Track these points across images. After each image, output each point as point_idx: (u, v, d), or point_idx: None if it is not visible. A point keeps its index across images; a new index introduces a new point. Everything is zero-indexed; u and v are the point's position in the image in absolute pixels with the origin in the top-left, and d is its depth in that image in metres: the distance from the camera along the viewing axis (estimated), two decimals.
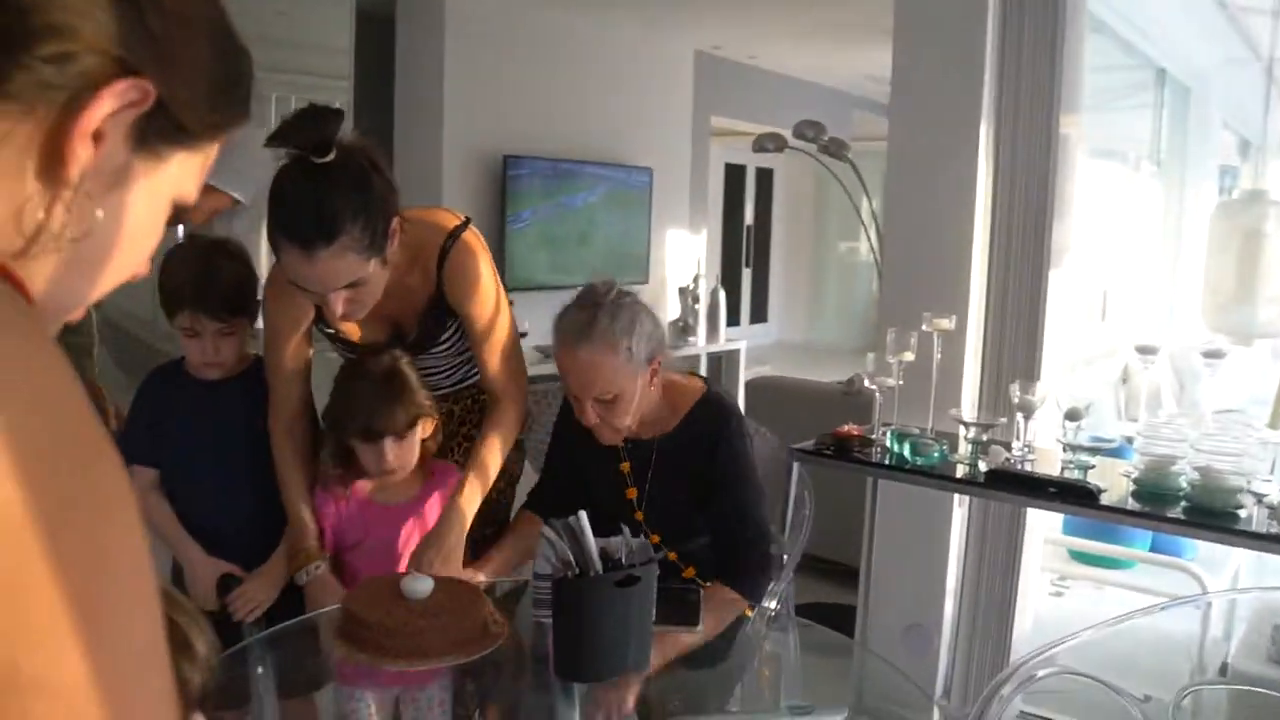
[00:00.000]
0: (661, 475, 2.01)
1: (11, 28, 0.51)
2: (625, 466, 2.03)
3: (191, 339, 1.99)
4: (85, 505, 0.48)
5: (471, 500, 1.93)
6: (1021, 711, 2.71)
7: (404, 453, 1.93)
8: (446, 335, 2.03)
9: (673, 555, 1.97)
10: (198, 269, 1.97)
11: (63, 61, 0.53)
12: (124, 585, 0.50)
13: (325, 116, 1.67)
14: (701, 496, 2.00)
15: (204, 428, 2.07)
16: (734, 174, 10.37)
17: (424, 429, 1.97)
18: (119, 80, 0.55)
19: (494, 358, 2.02)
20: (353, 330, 2.00)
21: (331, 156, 1.65)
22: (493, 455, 2.00)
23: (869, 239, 4.02)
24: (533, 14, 5.39)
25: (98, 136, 0.55)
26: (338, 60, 4.90)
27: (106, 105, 0.55)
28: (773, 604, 2.10)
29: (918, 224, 3.01)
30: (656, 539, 1.94)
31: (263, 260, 2.26)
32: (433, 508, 1.99)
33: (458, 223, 1.98)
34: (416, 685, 1.71)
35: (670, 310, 6.52)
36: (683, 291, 6.40)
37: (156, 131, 0.59)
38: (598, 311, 1.88)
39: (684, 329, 6.29)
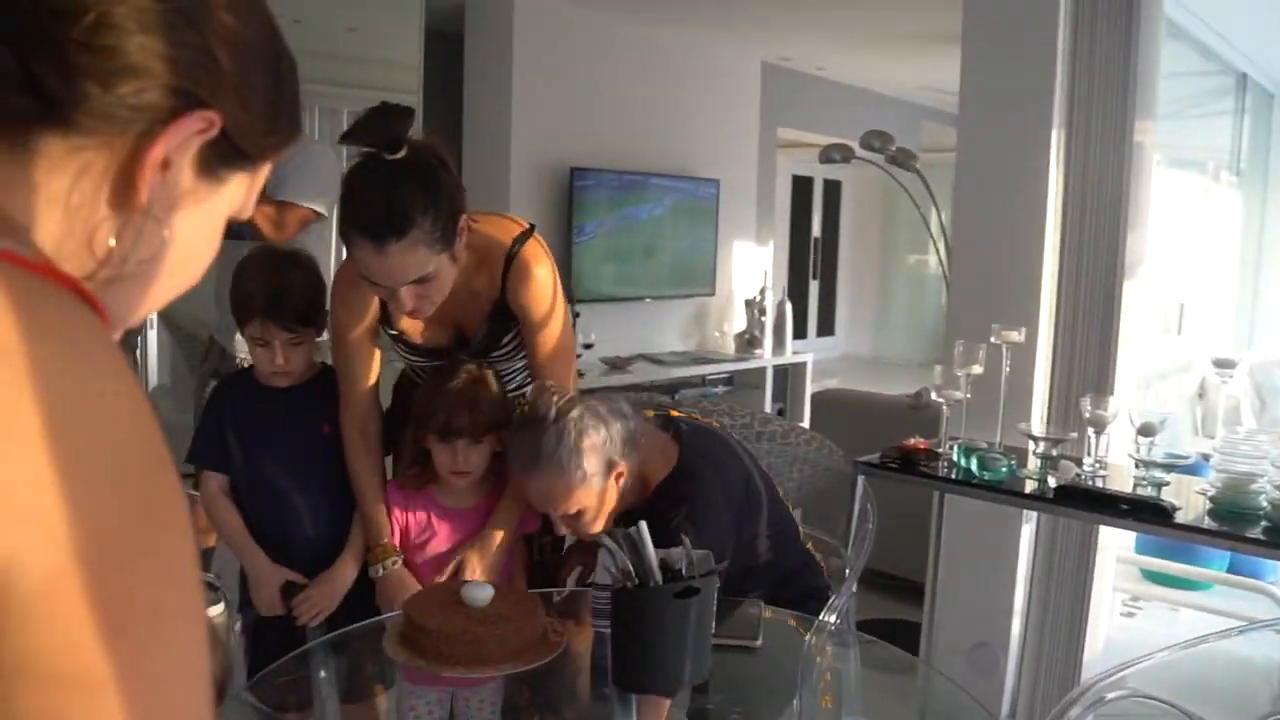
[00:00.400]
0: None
1: (95, 68, 0.54)
2: None
3: (261, 348, 2.03)
4: (148, 516, 0.50)
5: (519, 503, 1.96)
6: None
7: (476, 456, 1.96)
8: (508, 340, 2.05)
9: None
10: (270, 280, 2.01)
11: (139, 97, 0.56)
12: (177, 592, 0.51)
13: (396, 114, 1.70)
14: None
15: (272, 435, 2.10)
16: (801, 186, 10.31)
17: (500, 439, 1.99)
18: (189, 113, 0.58)
19: (549, 364, 2.03)
20: (415, 329, 2.03)
21: (402, 153, 1.69)
22: None
23: (938, 252, 3.96)
24: (600, 27, 5.41)
25: (165, 164, 0.58)
26: (407, 75, 4.97)
27: (177, 136, 0.58)
28: (833, 618, 2.08)
29: (987, 234, 2.96)
30: None
31: (330, 270, 2.31)
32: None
33: (523, 229, 2.00)
34: (469, 687, 1.73)
35: (737, 323, 6.50)
36: (749, 304, 6.38)
37: (219, 157, 0.62)
38: (542, 435, 1.82)
39: (750, 341, 6.27)
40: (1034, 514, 2.85)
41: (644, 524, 1.46)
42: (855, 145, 4.15)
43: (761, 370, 6.30)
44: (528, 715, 1.80)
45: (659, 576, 1.43)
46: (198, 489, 2.15)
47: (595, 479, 1.84)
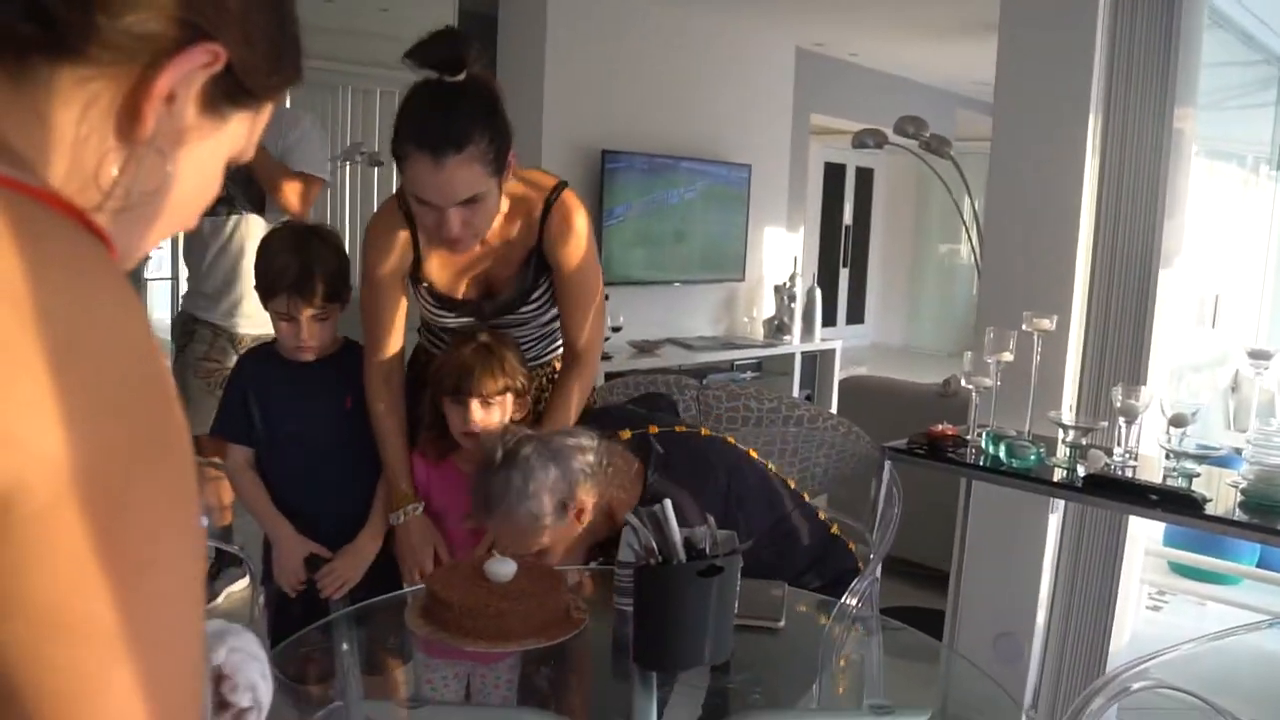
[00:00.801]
0: None
1: None
2: None
3: (287, 323, 2.04)
4: (152, 447, 0.51)
5: None
6: None
7: (488, 418, 1.96)
8: (537, 296, 2.06)
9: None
10: (298, 256, 2.02)
11: (145, 26, 0.56)
12: (177, 523, 0.52)
13: (459, 38, 1.77)
14: None
15: (296, 408, 2.12)
16: (833, 173, 10.25)
17: (514, 406, 1.99)
18: (194, 45, 0.58)
19: (582, 316, 2.06)
20: (447, 272, 2.04)
21: (462, 77, 1.75)
22: (567, 413, 2.05)
23: (970, 241, 3.92)
24: (634, 9, 5.39)
25: (171, 97, 0.59)
26: None
27: (182, 69, 0.58)
28: (854, 602, 2.07)
29: (1020, 220, 2.93)
30: None
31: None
32: None
33: (558, 181, 2.04)
34: (485, 663, 1.73)
35: (766, 309, 6.48)
36: (779, 290, 6.35)
37: (223, 93, 0.62)
38: (493, 479, 1.79)
39: (779, 328, 6.25)
40: (1061, 503, 2.83)
41: (668, 502, 1.46)
42: (889, 131, 4.12)
43: (790, 357, 6.28)
44: (545, 693, 1.81)
45: (683, 555, 1.43)
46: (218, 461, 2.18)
47: (548, 518, 1.79)
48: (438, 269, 2.05)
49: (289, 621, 1.98)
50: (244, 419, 2.12)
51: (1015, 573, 2.95)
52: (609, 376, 3.61)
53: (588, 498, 1.83)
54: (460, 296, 2.07)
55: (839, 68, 7.29)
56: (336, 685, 1.74)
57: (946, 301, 11.08)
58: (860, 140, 4.23)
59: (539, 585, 1.55)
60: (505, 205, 1.94)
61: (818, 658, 1.89)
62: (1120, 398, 2.39)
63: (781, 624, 1.68)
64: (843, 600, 2.03)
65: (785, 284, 6.34)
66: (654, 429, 2.04)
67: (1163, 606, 3.65)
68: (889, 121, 4.16)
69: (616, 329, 5.14)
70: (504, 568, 1.56)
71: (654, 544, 1.38)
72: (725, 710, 1.57)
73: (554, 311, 2.13)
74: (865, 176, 10.72)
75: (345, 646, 1.80)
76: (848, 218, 10.60)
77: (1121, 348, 2.75)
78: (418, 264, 2.02)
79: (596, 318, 2.10)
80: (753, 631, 1.64)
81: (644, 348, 5.44)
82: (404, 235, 1.99)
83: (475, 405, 1.95)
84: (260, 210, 3.14)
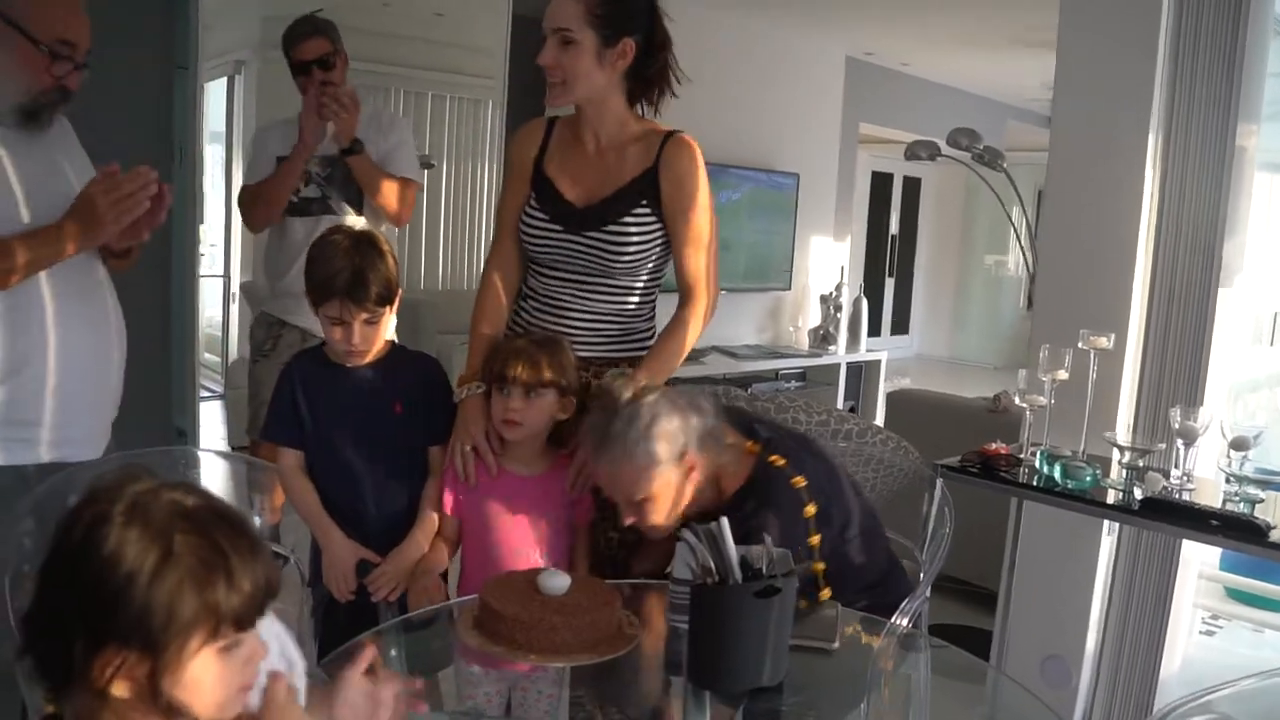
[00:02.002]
0: None
1: None
2: None
3: (338, 326, 2.05)
4: None
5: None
6: None
7: (526, 410, 1.96)
8: (630, 220, 2.06)
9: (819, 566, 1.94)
10: (351, 260, 2.02)
11: None
12: None
13: None
14: None
15: (345, 412, 2.12)
16: (880, 182, 10.18)
17: (559, 405, 1.99)
18: None
19: (693, 251, 2.10)
20: (562, 168, 2.12)
21: None
22: (678, 346, 2.11)
23: (1023, 252, 3.88)
24: (683, 14, 5.36)
25: None
26: (493, 61, 5.00)
27: None
28: (904, 622, 2.05)
29: (1077, 236, 2.88)
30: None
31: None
32: (551, 494, 2.01)
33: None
34: (528, 675, 1.72)
35: (811, 318, 6.45)
36: (824, 299, 6.32)
37: None
38: (614, 417, 1.81)
39: (824, 338, 6.22)
40: (1114, 525, 2.78)
41: (725, 520, 1.44)
42: (940, 143, 4.09)
43: (835, 367, 6.25)
44: (588, 709, 1.80)
45: (738, 574, 1.42)
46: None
47: (664, 466, 1.79)
48: (557, 167, 2.12)
49: (335, 630, 1.98)
50: (294, 422, 2.13)
51: (1065, 595, 2.91)
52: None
53: (701, 457, 1.84)
54: (565, 194, 2.10)
55: (889, 77, 7.24)
56: None
57: (992, 313, 10.96)
58: (913, 152, 4.20)
59: (593, 599, 1.54)
60: (627, 128, 2.08)
61: (865, 678, 1.86)
62: (1179, 419, 2.35)
63: (835, 645, 1.66)
64: (892, 620, 2.01)
65: (831, 293, 6.30)
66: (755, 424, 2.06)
67: (1216, 632, 3.58)
68: (938, 131, 4.13)
69: None
70: (558, 581, 1.55)
71: (711, 563, 1.37)
72: None
73: (642, 274, 2.13)
74: (912, 186, 10.65)
75: (394, 653, 1.79)
76: (894, 227, 10.54)
77: (1179, 367, 2.70)
78: (541, 166, 2.13)
79: (711, 261, 2.14)
80: (804, 652, 1.62)
81: (690, 355, 5.42)
82: (541, 127, 2.16)
83: (518, 394, 1.94)
84: (359, 210, 3.12)
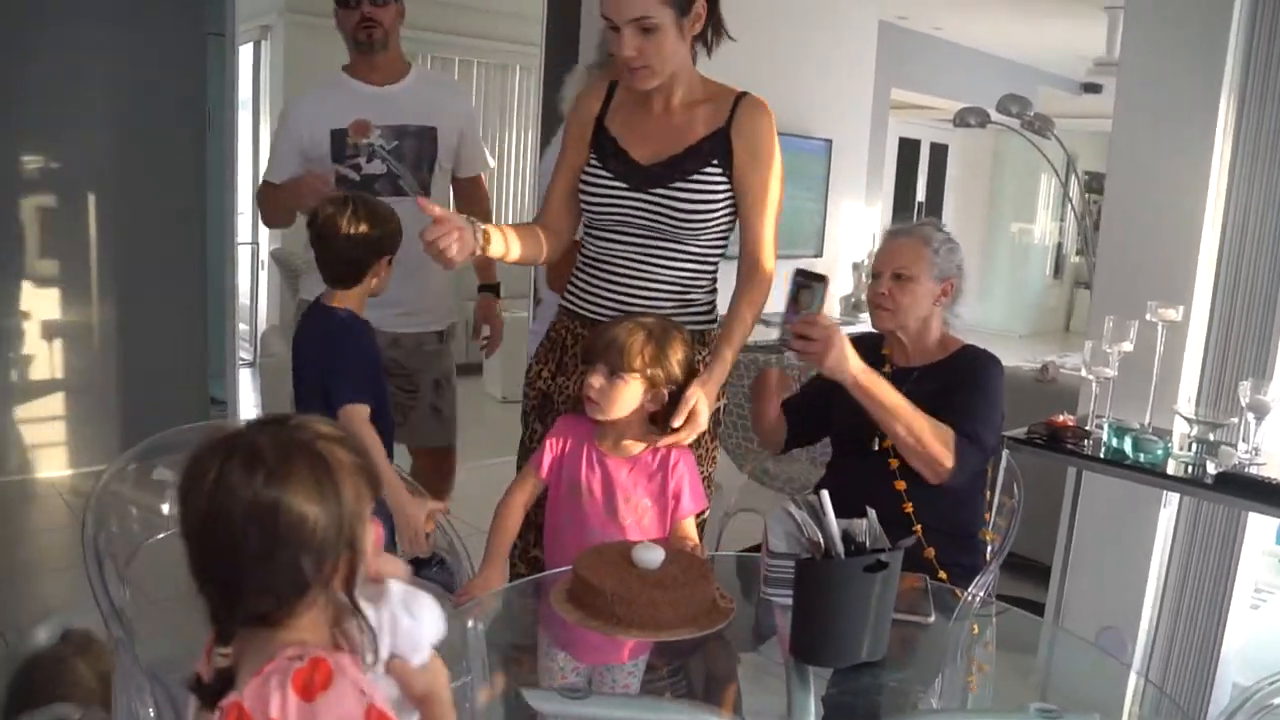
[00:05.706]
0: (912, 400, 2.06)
1: None
2: None
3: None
4: None
5: (720, 371, 2.01)
6: None
7: (612, 390, 1.88)
8: (696, 179, 2.02)
9: (918, 529, 2.00)
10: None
11: None
12: None
13: None
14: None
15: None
16: (906, 149, 10.09)
17: (649, 396, 1.90)
18: None
19: (765, 216, 2.09)
20: (627, 124, 2.09)
21: None
22: (741, 329, 2.09)
23: (1075, 217, 3.83)
24: None
25: None
26: (530, 28, 4.94)
27: None
28: (980, 594, 2.04)
29: (1142, 206, 2.83)
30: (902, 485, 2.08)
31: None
32: (645, 478, 1.96)
33: None
34: (616, 661, 1.68)
35: (843, 285, 6.41)
36: (856, 266, 6.27)
37: None
38: (925, 222, 2.30)
39: (856, 305, 6.17)
40: (1173, 498, 2.76)
41: (825, 492, 1.43)
42: (990, 110, 4.03)
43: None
44: (668, 681, 1.78)
45: (840, 547, 1.40)
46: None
47: (938, 268, 2.26)
48: (621, 124, 2.09)
49: None
50: (363, 378, 2.15)
51: (1122, 568, 2.89)
52: None
53: (948, 298, 2.31)
54: (631, 152, 2.06)
55: (922, 41, 7.15)
56: (463, 664, 1.72)
57: (1019, 282, 10.88)
58: (962, 119, 4.15)
59: (688, 573, 1.52)
60: (698, 89, 2.06)
61: (941, 652, 1.84)
62: (1249, 393, 2.32)
63: (932, 619, 1.64)
64: (968, 593, 1.99)
65: (862, 261, 6.26)
66: None
67: (1260, 605, 3.56)
68: (969, 97, 4.09)
69: None
70: (653, 555, 1.53)
71: (819, 537, 1.35)
72: (885, 708, 1.53)
73: (704, 238, 2.09)
74: (939, 153, 10.55)
75: (472, 624, 1.78)
76: (920, 194, 10.45)
77: (1247, 340, 2.66)
78: (603, 124, 2.10)
79: (776, 227, 2.12)
80: (901, 625, 1.60)
81: (721, 322, 5.39)
82: (603, 88, 2.13)
83: (603, 371, 1.87)
84: (428, 190, 2.82)
